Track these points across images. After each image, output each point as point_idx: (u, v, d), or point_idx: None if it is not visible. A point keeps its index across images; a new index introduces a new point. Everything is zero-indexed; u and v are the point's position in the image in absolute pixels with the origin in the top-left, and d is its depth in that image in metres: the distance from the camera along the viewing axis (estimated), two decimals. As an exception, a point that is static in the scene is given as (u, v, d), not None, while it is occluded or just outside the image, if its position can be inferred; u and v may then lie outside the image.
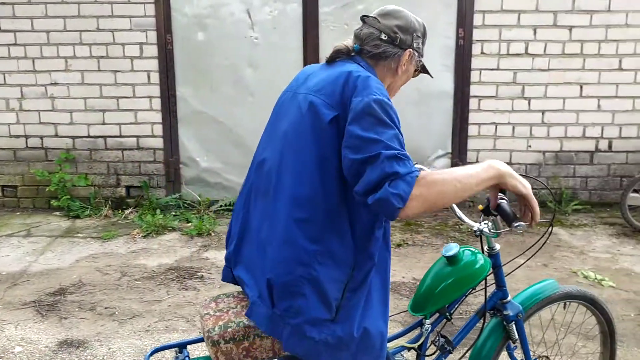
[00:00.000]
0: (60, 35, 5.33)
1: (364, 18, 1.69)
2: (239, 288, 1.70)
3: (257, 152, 1.69)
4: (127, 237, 4.81)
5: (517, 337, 1.97)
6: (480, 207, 1.77)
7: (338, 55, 1.65)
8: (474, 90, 5.27)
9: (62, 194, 5.47)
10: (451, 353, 1.92)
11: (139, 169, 5.56)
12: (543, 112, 5.30)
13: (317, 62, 5.21)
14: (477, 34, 5.16)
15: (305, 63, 5.25)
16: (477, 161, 5.41)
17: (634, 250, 4.54)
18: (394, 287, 3.81)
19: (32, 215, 5.48)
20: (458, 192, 1.41)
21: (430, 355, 1.92)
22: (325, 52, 5.12)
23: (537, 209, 1.59)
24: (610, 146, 5.37)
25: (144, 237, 4.80)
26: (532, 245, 1.99)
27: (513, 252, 4.46)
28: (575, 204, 5.39)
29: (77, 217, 5.38)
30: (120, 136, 5.50)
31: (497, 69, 5.23)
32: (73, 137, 5.54)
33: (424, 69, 1.77)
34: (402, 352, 1.88)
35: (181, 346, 1.68)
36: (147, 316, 3.40)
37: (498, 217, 1.75)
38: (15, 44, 5.35)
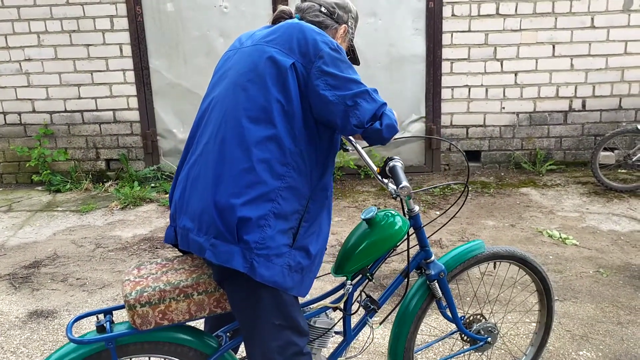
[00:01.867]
0: (31, 10, 5.32)
1: None
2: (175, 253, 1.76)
3: (202, 102, 1.74)
4: (105, 209, 4.90)
5: (440, 294, 2.05)
6: (377, 169, 1.83)
7: (282, 17, 1.78)
8: (446, 53, 5.25)
9: (43, 169, 5.56)
10: (376, 311, 1.99)
11: (117, 142, 5.61)
12: (516, 73, 5.29)
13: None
14: (447, -4, 5.13)
15: (276, 31, 5.24)
16: (451, 124, 5.44)
17: (602, 209, 4.60)
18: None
19: (15, 191, 5.57)
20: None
21: (355, 313, 1.99)
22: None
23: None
24: (584, 105, 5.37)
25: (122, 209, 4.89)
26: (452, 205, 2.05)
27: (482, 213, 4.55)
28: (550, 164, 5.43)
29: (59, 191, 5.47)
30: (97, 110, 5.54)
31: (469, 31, 5.20)
32: (50, 113, 5.58)
33: (354, 55, 1.90)
34: (327, 312, 1.94)
35: (106, 312, 1.73)
36: (116, 286, 3.51)
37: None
38: (-14, 21, 5.36)
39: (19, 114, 5.59)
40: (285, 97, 1.55)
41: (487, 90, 5.34)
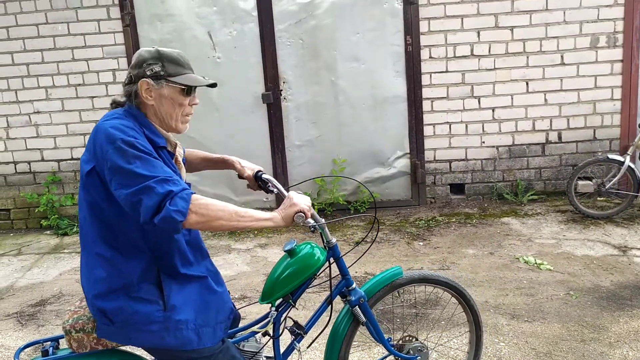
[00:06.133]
0: (39, 67, 5.75)
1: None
2: None
3: None
4: (108, 250, 5.18)
5: (364, 319, 2.20)
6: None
7: (113, 105, 1.91)
8: (426, 92, 5.58)
9: (51, 214, 5.88)
10: (303, 337, 2.14)
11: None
12: (493, 109, 5.60)
13: (277, 75, 5.58)
14: (424, 40, 5.48)
15: (266, 77, 5.61)
16: (434, 159, 5.73)
17: (578, 235, 4.82)
18: (346, 282, 4.12)
19: (25, 236, 5.89)
20: (235, 224, 1.71)
21: (280, 336, 2.12)
22: (283, 66, 5.52)
23: (309, 214, 1.90)
24: (560, 137, 5.64)
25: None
26: (364, 238, 2.28)
27: (464, 242, 4.78)
28: (531, 194, 5.67)
29: (66, 234, 5.78)
30: (101, 157, 5.88)
31: (446, 72, 5.54)
32: (58, 161, 5.95)
33: (184, 82, 1.83)
34: (256, 337, 2.10)
35: (53, 340, 1.92)
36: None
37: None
38: (-2, 78, 5.80)
39: (29, 162, 5.96)
40: (94, 197, 1.73)
41: (467, 126, 5.65)
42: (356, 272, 4.28)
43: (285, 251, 2.08)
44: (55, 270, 4.78)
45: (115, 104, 1.90)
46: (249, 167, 2.25)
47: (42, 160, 5.95)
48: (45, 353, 1.83)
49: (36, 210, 5.92)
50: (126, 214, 1.70)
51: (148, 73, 1.79)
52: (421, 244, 4.83)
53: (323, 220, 2.03)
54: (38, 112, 5.85)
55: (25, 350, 2.80)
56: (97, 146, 1.69)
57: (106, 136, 1.67)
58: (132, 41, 5.62)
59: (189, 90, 1.85)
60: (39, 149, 5.94)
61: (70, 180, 5.95)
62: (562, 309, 3.55)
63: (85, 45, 5.69)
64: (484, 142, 5.68)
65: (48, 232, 5.92)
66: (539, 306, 3.59)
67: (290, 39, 5.56)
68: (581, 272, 4.08)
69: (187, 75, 1.84)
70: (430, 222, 5.33)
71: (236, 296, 3.99)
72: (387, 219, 5.53)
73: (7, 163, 5.98)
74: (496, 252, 4.55)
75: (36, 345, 2.03)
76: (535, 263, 4.26)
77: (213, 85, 1.91)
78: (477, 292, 3.82)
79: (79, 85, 5.77)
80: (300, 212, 1.84)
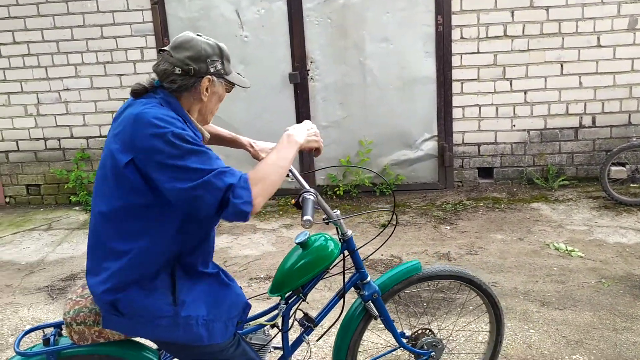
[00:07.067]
0: (69, 44, 5.78)
1: (160, 51, 1.76)
2: None
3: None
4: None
5: (376, 314, 2.11)
6: (293, 201, 1.87)
7: (136, 91, 1.72)
8: (456, 74, 5.47)
9: (80, 190, 5.96)
10: (313, 329, 2.07)
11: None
12: (525, 91, 5.46)
13: (304, 55, 5.52)
14: (455, 20, 5.35)
15: (293, 57, 5.56)
16: (463, 142, 5.63)
17: (610, 222, 4.70)
18: (371, 264, 4.11)
19: (54, 211, 5.99)
20: (282, 173, 1.68)
21: (290, 330, 2.07)
22: (311, 45, 5.46)
23: (321, 145, 1.89)
24: (594, 121, 5.49)
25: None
26: (383, 229, 2.21)
27: (492, 227, 4.71)
28: (563, 180, 5.55)
29: (94, 210, 5.85)
30: (129, 134, 5.92)
31: (478, 53, 5.41)
32: (87, 138, 6.00)
33: (237, 82, 1.81)
34: (264, 329, 2.04)
35: (55, 326, 1.82)
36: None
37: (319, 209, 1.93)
38: (29, 54, 5.84)
39: (59, 139, 6.03)
40: (127, 193, 1.61)
41: (497, 109, 5.53)
42: (382, 255, 4.25)
43: (297, 243, 1.99)
44: (84, 246, 4.84)
45: (135, 94, 1.73)
46: (265, 149, 2.17)
47: (71, 137, 6.02)
48: (46, 342, 1.75)
49: (65, 187, 6.00)
50: (164, 209, 1.63)
51: (212, 70, 1.72)
52: (448, 227, 4.78)
53: (338, 212, 1.97)
54: (67, 89, 5.90)
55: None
56: (138, 138, 1.57)
57: (151, 128, 1.55)
58: (160, 19, 5.60)
59: (230, 88, 1.82)
60: (68, 126, 6.00)
61: (98, 157, 6.01)
62: (594, 297, 3.48)
63: (114, 23, 5.69)
64: (514, 126, 5.56)
65: (77, 208, 6.00)
66: (570, 294, 3.53)
67: (319, 18, 5.49)
68: (613, 259, 3.99)
69: (234, 74, 1.82)
70: (458, 206, 5.26)
71: (262, 276, 4.00)
72: (414, 202, 5.47)
73: (38, 139, 6.06)
74: (525, 237, 4.47)
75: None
76: (566, 250, 4.18)
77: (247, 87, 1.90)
78: (506, 278, 3.76)
79: (108, 62, 5.79)
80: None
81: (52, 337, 1.77)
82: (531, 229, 4.65)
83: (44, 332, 1.81)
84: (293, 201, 1.85)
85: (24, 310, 3.68)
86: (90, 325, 1.72)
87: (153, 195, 1.60)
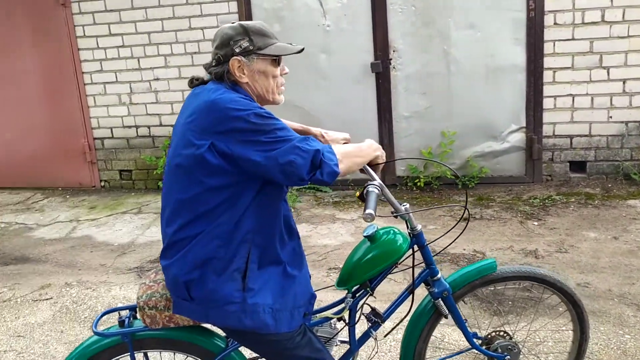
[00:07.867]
0: (159, 35, 6.03)
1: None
2: None
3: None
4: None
5: (446, 312, 2.06)
6: (357, 193, 1.85)
7: (197, 83, 1.82)
8: (547, 62, 5.18)
9: (167, 176, 6.22)
10: (380, 325, 2.03)
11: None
12: (624, 81, 5.09)
13: (386, 44, 5.44)
14: (549, 5, 5.06)
15: (375, 46, 5.49)
16: (553, 134, 5.35)
17: None
18: (453, 258, 4.00)
19: (144, 195, 6.30)
20: (357, 162, 1.82)
21: (357, 323, 2.04)
22: (393, 34, 5.37)
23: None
24: (703, 113, 5.04)
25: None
26: (455, 225, 2.16)
27: (584, 225, 4.46)
28: (664, 176, 5.15)
29: (180, 196, 6.09)
30: (213, 123, 6.10)
31: (572, 39, 5.09)
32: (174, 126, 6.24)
33: (274, 52, 1.78)
34: (331, 322, 2.02)
35: (131, 309, 1.90)
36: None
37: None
38: (123, 46, 6.14)
39: (149, 127, 6.33)
40: (207, 177, 1.65)
41: (592, 99, 5.19)
42: (464, 250, 4.14)
43: (365, 236, 1.95)
44: (171, 230, 5.06)
45: (197, 81, 1.82)
46: (337, 139, 2.14)
47: (160, 125, 6.29)
48: (122, 324, 1.82)
49: (154, 172, 6.29)
50: (239, 187, 1.67)
51: (237, 50, 1.72)
52: (535, 223, 4.56)
53: (407, 206, 1.92)
54: (157, 79, 6.16)
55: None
56: (219, 123, 1.62)
57: (232, 112, 1.61)
58: (245, 9, 5.70)
59: (279, 60, 1.80)
60: (157, 114, 6.27)
61: (185, 145, 6.24)
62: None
63: (201, 14, 5.86)
64: (611, 117, 5.20)
65: (164, 193, 6.27)
66: (670, 299, 3.27)
67: (402, 6, 5.37)
68: None
69: (277, 44, 1.78)
70: (546, 201, 5.01)
71: (340, 266, 4.01)
72: (498, 196, 5.27)
73: (130, 127, 6.38)
74: (621, 236, 4.19)
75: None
76: (667, 252, 3.87)
77: (301, 51, 1.84)
78: (599, 279, 3.54)
79: (195, 53, 5.99)
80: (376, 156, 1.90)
81: (127, 319, 1.84)
82: (627, 227, 4.35)
83: (119, 314, 1.88)
84: (358, 193, 1.83)
85: (116, 289, 3.90)
86: (161, 310, 1.77)
87: (233, 176, 1.66)
